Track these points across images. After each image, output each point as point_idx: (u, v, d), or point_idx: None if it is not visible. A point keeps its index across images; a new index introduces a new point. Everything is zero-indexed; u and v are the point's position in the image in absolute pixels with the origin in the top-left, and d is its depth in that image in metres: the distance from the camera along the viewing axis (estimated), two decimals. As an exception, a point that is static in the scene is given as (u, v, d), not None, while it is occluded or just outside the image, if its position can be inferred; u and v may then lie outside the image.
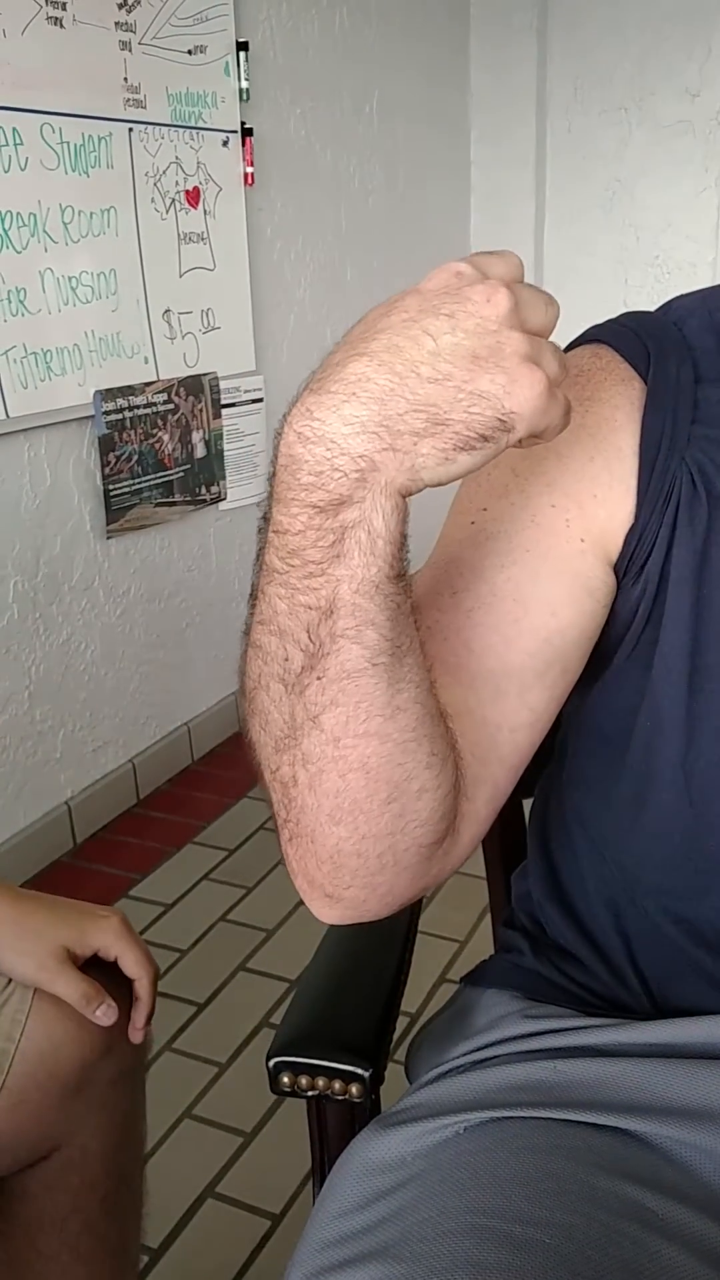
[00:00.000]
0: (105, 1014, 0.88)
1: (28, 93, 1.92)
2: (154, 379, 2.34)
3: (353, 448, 0.48)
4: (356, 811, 0.57)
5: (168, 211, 2.32)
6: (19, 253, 1.95)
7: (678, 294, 0.75)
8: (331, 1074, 0.75)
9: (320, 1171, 0.81)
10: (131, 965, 0.92)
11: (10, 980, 0.90)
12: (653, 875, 0.70)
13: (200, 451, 2.53)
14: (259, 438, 2.72)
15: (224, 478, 2.63)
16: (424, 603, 0.65)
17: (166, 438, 2.41)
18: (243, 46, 2.45)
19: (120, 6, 2.10)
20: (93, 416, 2.19)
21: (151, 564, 2.46)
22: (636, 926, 0.73)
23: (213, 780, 2.61)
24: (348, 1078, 0.74)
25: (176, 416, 2.43)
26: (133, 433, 2.30)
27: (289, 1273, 0.64)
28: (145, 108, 2.21)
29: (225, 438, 2.61)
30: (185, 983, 1.88)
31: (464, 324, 0.49)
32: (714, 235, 3.46)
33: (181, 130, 2.32)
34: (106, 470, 2.25)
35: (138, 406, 2.30)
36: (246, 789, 2.52)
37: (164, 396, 2.38)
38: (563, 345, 0.74)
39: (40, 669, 2.19)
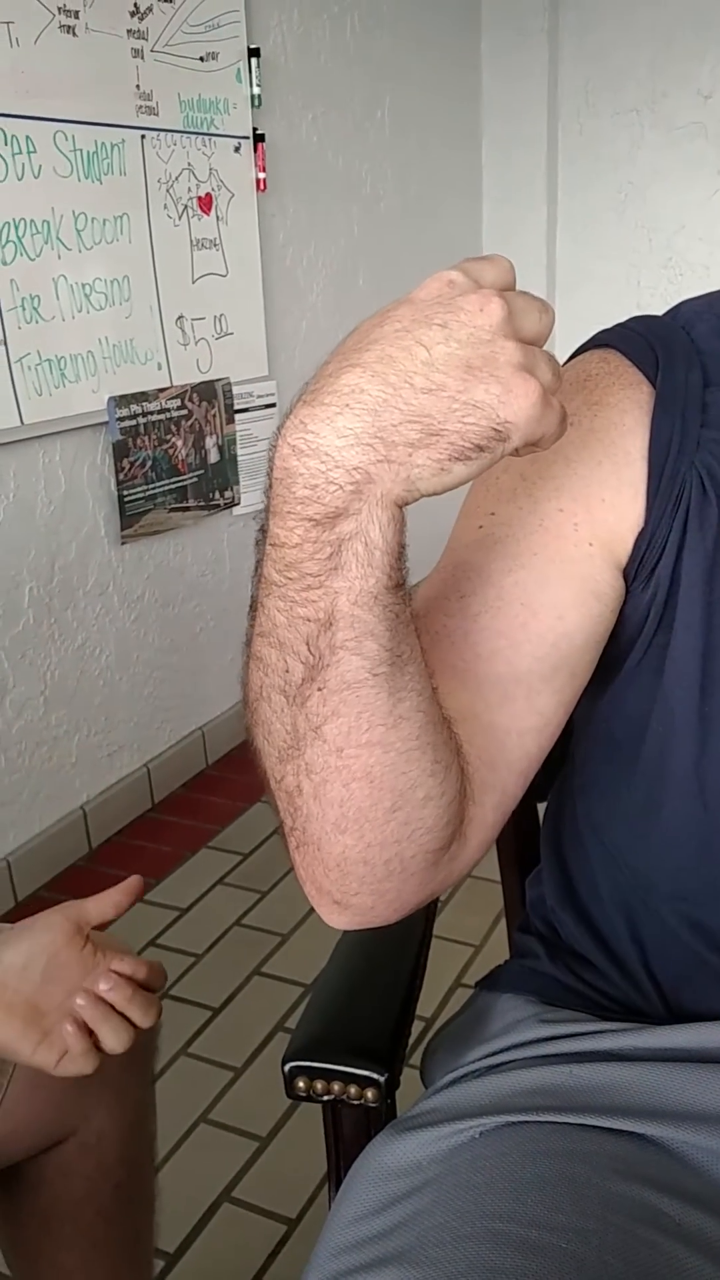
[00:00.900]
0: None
1: (41, 101, 1.94)
2: (167, 385, 2.35)
3: (347, 460, 0.48)
4: (361, 820, 0.57)
5: (180, 218, 2.33)
6: (33, 260, 1.96)
7: (690, 296, 0.75)
8: (347, 1079, 0.75)
9: (336, 1176, 0.81)
10: (117, 963, 0.87)
11: None
12: (667, 881, 0.70)
13: (214, 457, 2.54)
14: (272, 443, 2.72)
15: (238, 483, 2.63)
16: (431, 607, 0.65)
17: (180, 443, 2.42)
18: (254, 53, 2.45)
19: (132, 15, 2.11)
20: (106, 423, 2.19)
21: (165, 569, 2.47)
22: (651, 932, 0.72)
23: (227, 784, 2.62)
24: (363, 1082, 0.74)
25: (190, 422, 2.44)
26: (146, 438, 2.31)
27: (305, 1278, 0.64)
28: (158, 114, 2.22)
29: (239, 443, 2.62)
30: (200, 987, 1.89)
31: (457, 334, 0.49)
32: (727, 237, 3.45)
33: (194, 137, 2.33)
34: (120, 476, 2.26)
35: (151, 412, 2.31)
36: (261, 793, 2.51)
37: (177, 402, 2.39)
38: (572, 349, 0.75)
39: (55, 674, 2.19)
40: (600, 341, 0.72)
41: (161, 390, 2.33)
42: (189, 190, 2.34)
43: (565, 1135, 0.65)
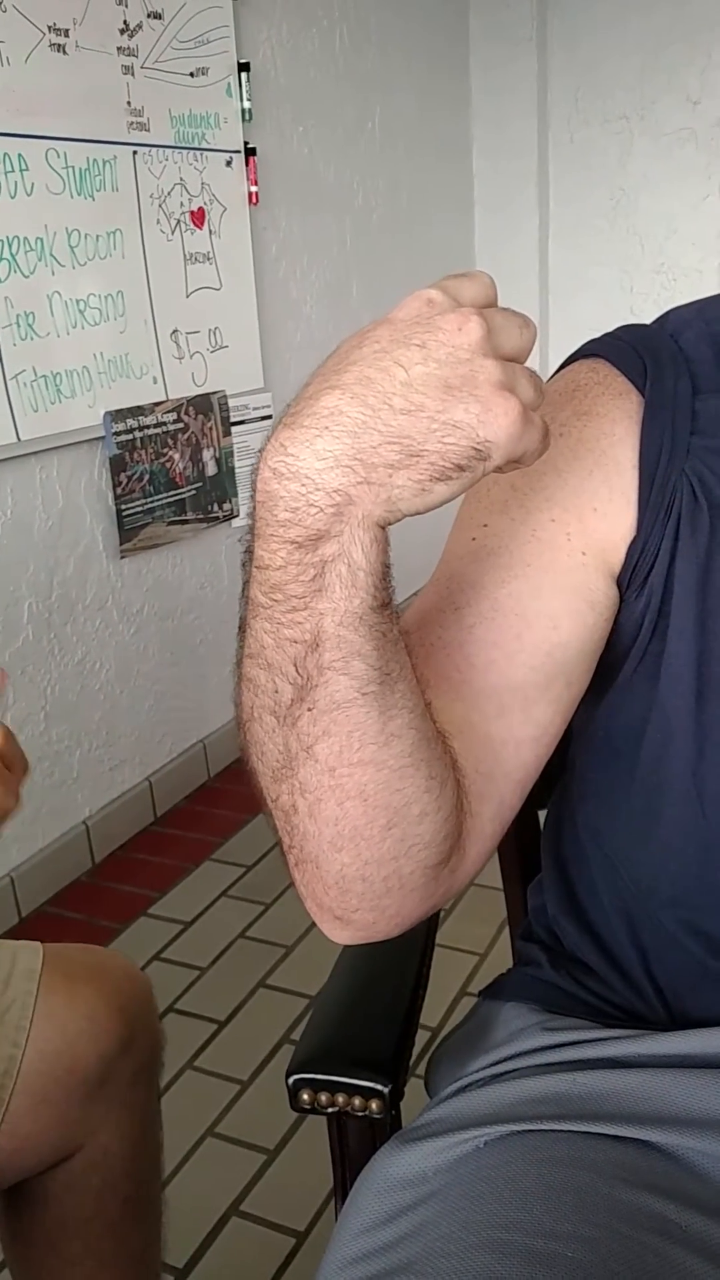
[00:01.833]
0: None
1: (32, 119, 1.95)
2: (163, 399, 2.35)
3: (327, 483, 0.48)
4: (357, 838, 0.57)
5: (173, 232, 2.34)
6: (27, 277, 1.97)
7: (681, 302, 0.76)
8: (351, 1090, 0.75)
9: (342, 1188, 0.81)
10: None
11: (8, 989, 0.91)
12: (667, 888, 0.70)
13: (211, 469, 2.54)
14: (269, 454, 2.73)
15: (235, 495, 2.64)
16: (426, 620, 0.65)
17: (177, 456, 2.42)
18: (244, 67, 2.47)
19: (122, 32, 2.12)
20: (103, 437, 2.20)
21: (164, 582, 2.47)
22: (652, 938, 0.72)
23: (230, 796, 2.62)
24: (368, 1094, 0.74)
25: (187, 435, 2.44)
26: (143, 452, 2.31)
27: (313, 1290, 0.64)
28: (149, 130, 2.23)
29: (236, 455, 2.62)
30: (205, 1000, 1.89)
31: (436, 354, 0.48)
32: (718, 241, 3.46)
33: (185, 151, 2.34)
34: (118, 490, 2.26)
35: (148, 426, 2.32)
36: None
37: (173, 416, 2.39)
38: (561, 360, 0.75)
39: (56, 689, 2.20)
40: (588, 351, 0.73)
41: (158, 404, 2.34)
42: (181, 205, 2.35)
43: (570, 1143, 0.65)
